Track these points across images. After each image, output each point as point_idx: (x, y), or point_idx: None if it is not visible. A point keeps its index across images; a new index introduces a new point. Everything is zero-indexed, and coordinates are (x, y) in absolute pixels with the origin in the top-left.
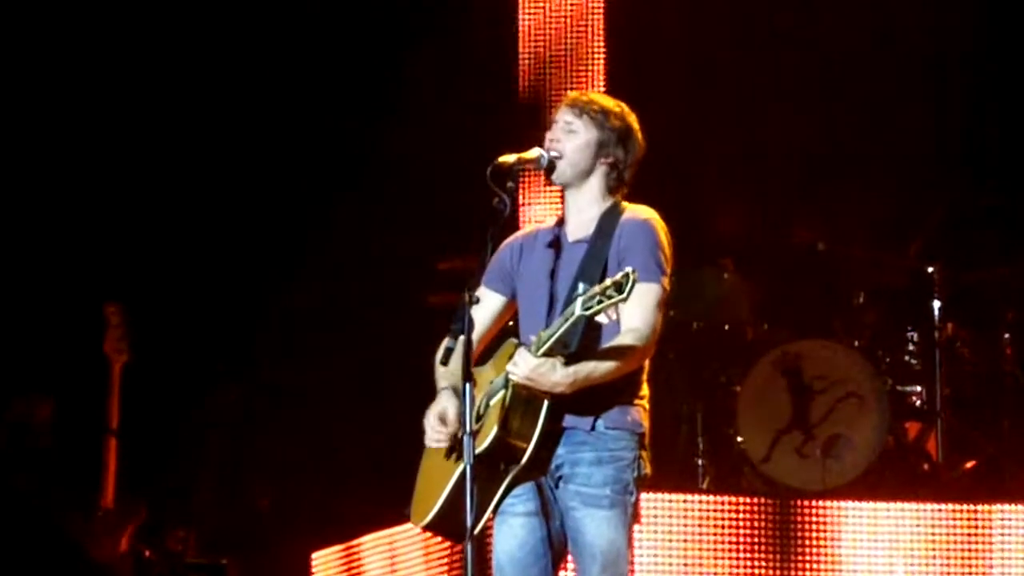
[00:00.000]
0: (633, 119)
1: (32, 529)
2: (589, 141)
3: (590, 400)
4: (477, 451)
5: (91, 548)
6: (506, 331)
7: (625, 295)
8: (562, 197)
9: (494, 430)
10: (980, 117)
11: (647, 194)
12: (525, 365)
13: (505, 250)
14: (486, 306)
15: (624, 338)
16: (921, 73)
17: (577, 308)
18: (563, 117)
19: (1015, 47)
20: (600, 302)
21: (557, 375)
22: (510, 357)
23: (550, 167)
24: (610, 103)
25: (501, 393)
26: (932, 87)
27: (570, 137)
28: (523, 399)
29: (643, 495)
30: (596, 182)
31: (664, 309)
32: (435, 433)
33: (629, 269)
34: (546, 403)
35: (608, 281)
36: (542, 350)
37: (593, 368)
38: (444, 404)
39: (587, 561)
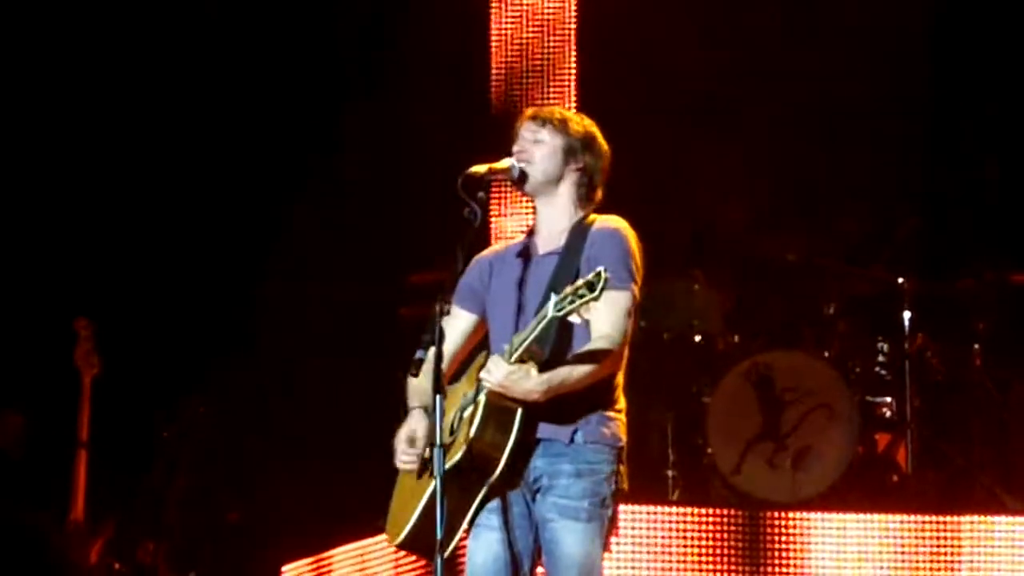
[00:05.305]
0: (594, 127)
1: (10, 543)
2: (556, 148)
3: (569, 412)
4: (450, 463)
5: (61, 561)
6: (478, 349)
7: (597, 294)
8: (534, 209)
9: (466, 441)
10: (954, 132)
11: (618, 204)
12: (498, 371)
13: (474, 268)
14: (456, 325)
15: (595, 344)
16: (896, 89)
17: (550, 310)
18: (527, 129)
19: (986, 66)
20: (572, 302)
21: (531, 382)
22: (480, 368)
23: (521, 177)
24: (568, 113)
25: (472, 405)
26: (907, 102)
27: (538, 146)
28: (496, 408)
29: None
30: (567, 191)
31: (634, 316)
32: (404, 456)
33: (601, 269)
34: (519, 412)
35: (580, 281)
36: (515, 355)
37: (566, 375)
38: (413, 426)
39: (562, 572)
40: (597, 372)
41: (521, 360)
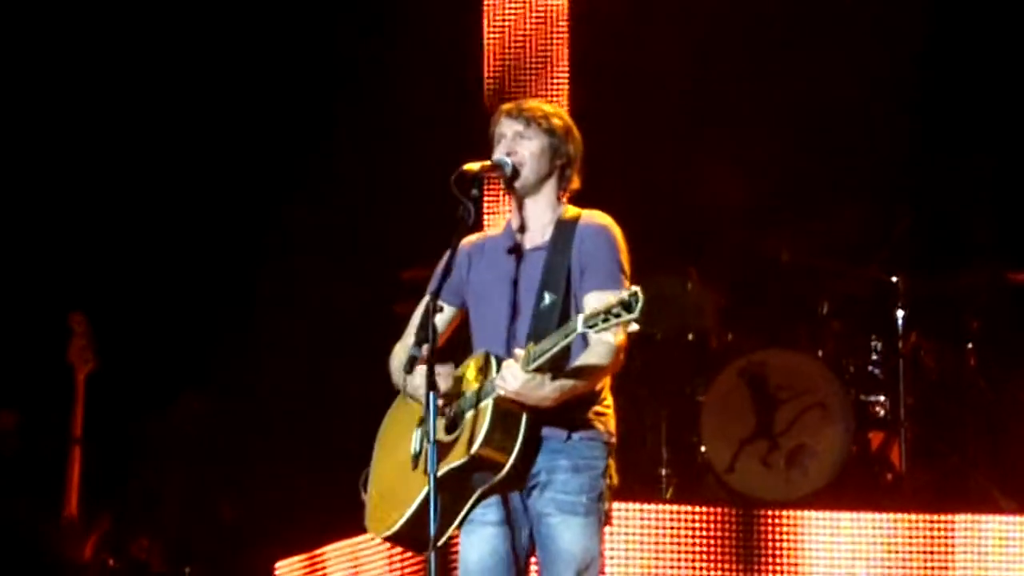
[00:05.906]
0: (567, 115)
1: (5, 539)
2: (544, 147)
3: (564, 410)
4: (453, 464)
5: (55, 557)
6: (458, 340)
7: (636, 314)
8: (519, 204)
9: (474, 444)
10: (952, 131)
11: (613, 200)
12: (515, 380)
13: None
14: (437, 317)
15: (599, 348)
16: (893, 88)
17: (579, 325)
18: (511, 128)
19: (983, 65)
20: (606, 320)
21: (545, 390)
22: (480, 369)
23: (513, 174)
24: (545, 106)
25: (476, 408)
26: (904, 101)
27: (526, 145)
28: (503, 413)
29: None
30: (551, 186)
31: None
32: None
33: (637, 288)
34: (525, 416)
35: (614, 299)
36: (533, 365)
37: (576, 381)
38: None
39: (560, 568)
40: (603, 375)
41: (538, 369)
